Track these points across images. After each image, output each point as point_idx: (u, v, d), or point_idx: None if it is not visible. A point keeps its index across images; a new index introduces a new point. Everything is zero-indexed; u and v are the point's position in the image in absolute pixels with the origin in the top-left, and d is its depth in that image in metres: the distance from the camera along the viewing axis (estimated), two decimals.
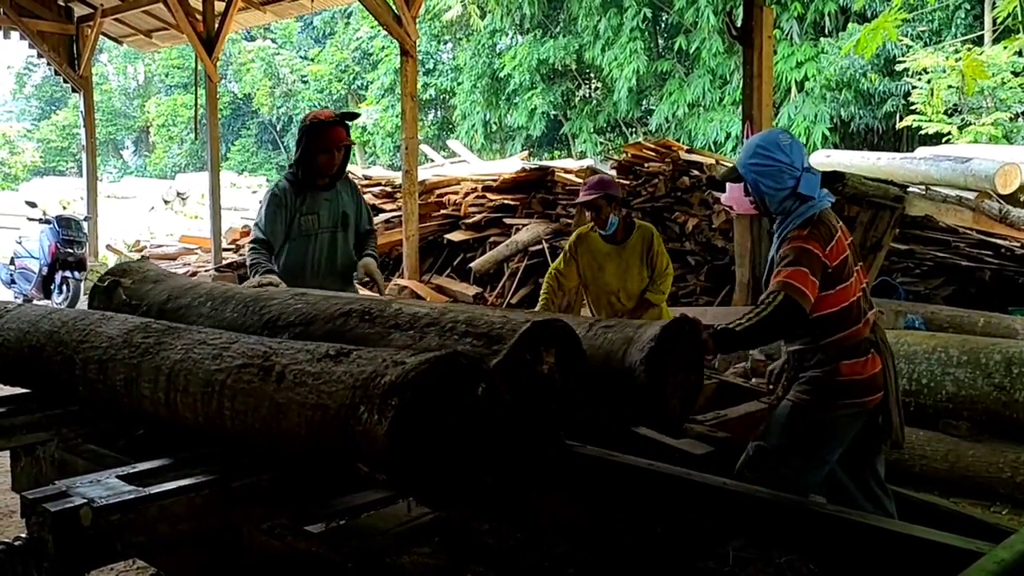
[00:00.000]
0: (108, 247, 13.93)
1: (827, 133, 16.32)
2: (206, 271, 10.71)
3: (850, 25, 15.91)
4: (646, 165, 7.41)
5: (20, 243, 10.86)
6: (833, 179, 6.19)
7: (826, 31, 17.17)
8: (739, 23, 5.89)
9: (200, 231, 15.77)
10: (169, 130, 33.86)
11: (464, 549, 2.23)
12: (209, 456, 2.07)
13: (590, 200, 4.36)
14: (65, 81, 12.92)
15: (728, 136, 17.95)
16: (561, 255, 4.63)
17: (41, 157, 34.08)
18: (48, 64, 13.03)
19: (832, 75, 16.18)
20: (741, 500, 2.26)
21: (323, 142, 3.85)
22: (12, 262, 10.96)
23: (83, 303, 10.32)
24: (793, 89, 17.05)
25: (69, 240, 10.10)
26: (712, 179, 6.82)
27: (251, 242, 4.02)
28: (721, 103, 18.45)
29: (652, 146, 7.73)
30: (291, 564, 2.01)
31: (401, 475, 1.72)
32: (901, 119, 15.19)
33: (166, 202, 22.94)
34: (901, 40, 13.93)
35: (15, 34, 12.53)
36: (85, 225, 10.84)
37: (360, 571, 1.86)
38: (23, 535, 1.89)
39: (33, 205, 10.89)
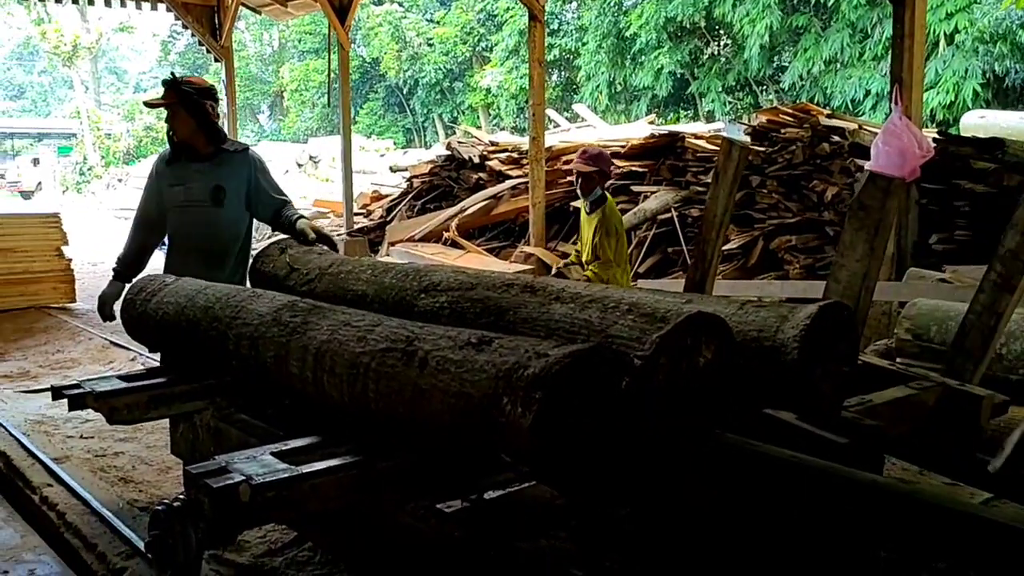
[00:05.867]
0: None
1: (978, 89, 15.22)
2: (338, 236, 11.04)
3: None
4: (782, 131, 7.11)
5: None
6: (991, 146, 5.78)
7: None
8: None
9: (331, 194, 16.26)
10: (302, 95, 34.96)
11: (600, 534, 2.22)
12: (355, 436, 2.13)
13: (585, 171, 4.73)
14: (208, 51, 13.47)
15: (868, 93, 17.03)
16: None
17: None
18: (192, 34, 13.61)
19: (986, 27, 15.02)
20: (894, 499, 2.15)
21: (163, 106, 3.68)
22: None
23: None
24: (942, 42, 15.95)
25: None
26: (855, 145, 6.47)
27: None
28: (861, 58, 17.49)
29: (790, 111, 7.39)
30: (430, 544, 2.05)
31: (545, 467, 1.72)
32: None
33: (299, 165, 23.79)
34: None
35: (161, 6, 13.14)
36: None
37: (501, 559, 1.88)
38: (181, 494, 2.01)
39: None
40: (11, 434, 4.40)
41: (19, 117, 50.42)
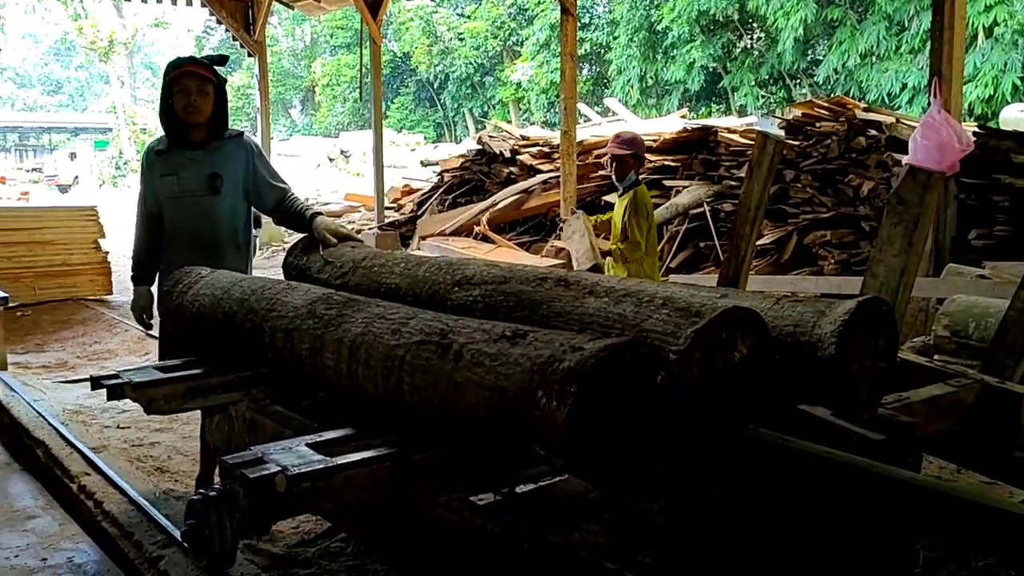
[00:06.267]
0: None
1: (1018, 83, 14.95)
2: (369, 229, 11.10)
3: None
4: (818, 125, 7.02)
5: None
6: None
7: None
8: None
9: (362, 188, 16.36)
10: (333, 89, 35.18)
11: (633, 528, 2.22)
12: (389, 428, 2.14)
13: (620, 155, 4.71)
14: (241, 46, 13.59)
15: (904, 87, 16.79)
16: None
17: None
18: (226, 29, 13.73)
19: None
20: (931, 496, 2.12)
21: (177, 82, 3.37)
22: None
23: (257, 258, 10.98)
24: (980, 35, 15.68)
25: None
26: (892, 139, 6.38)
27: (135, 225, 3.66)
28: (897, 51, 17.25)
29: (825, 104, 7.30)
30: (463, 536, 2.06)
31: (579, 460, 1.72)
32: None
33: (331, 160, 23.94)
34: None
35: (196, 1, 13.28)
36: None
37: (535, 552, 1.88)
38: (217, 485, 2.03)
39: None
40: (50, 423, 4.47)
41: (56, 112, 51.29)
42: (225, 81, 3.52)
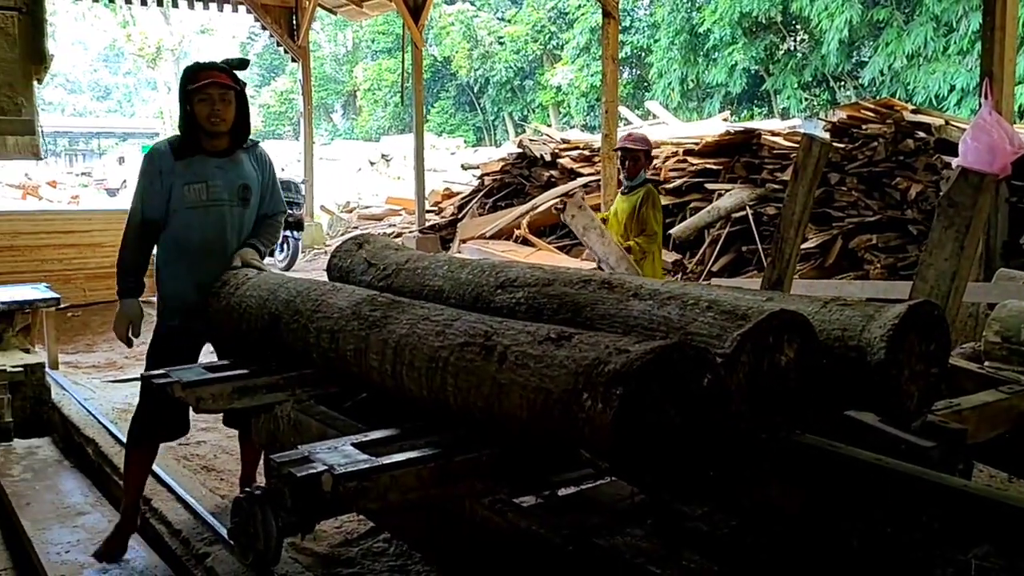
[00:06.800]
0: (321, 207, 14.86)
1: None
2: (410, 232, 11.17)
3: None
4: (864, 127, 6.92)
5: None
6: None
7: None
8: None
9: (403, 192, 16.47)
10: (374, 94, 35.48)
11: (677, 533, 2.20)
12: (433, 428, 2.15)
13: (634, 149, 4.87)
14: (285, 51, 13.78)
15: (952, 89, 16.48)
16: None
17: (262, 122, 36.80)
18: (270, 35, 13.93)
19: None
20: (985, 505, 2.08)
21: (199, 87, 3.24)
22: None
23: (299, 260, 11.11)
24: None
25: (288, 202, 10.83)
26: (941, 141, 6.26)
27: (125, 232, 3.50)
28: (945, 53, 16.94)
29: (872, 106, 7.19)
30: (508, 538, 2.06)
31: (624, 464, 1.71)
32: None
33: (372, 164, 24.16)
34: None
35: (242, 8, 13.49)
36: (303, 188, 11.60)
37: (579, 555, 1.87)
38: (261, 484, 2.05)
39: None
40: (100, 422, 4.57)
41: (105, 117, 52.42)
42: (244, 85, 3.45)
